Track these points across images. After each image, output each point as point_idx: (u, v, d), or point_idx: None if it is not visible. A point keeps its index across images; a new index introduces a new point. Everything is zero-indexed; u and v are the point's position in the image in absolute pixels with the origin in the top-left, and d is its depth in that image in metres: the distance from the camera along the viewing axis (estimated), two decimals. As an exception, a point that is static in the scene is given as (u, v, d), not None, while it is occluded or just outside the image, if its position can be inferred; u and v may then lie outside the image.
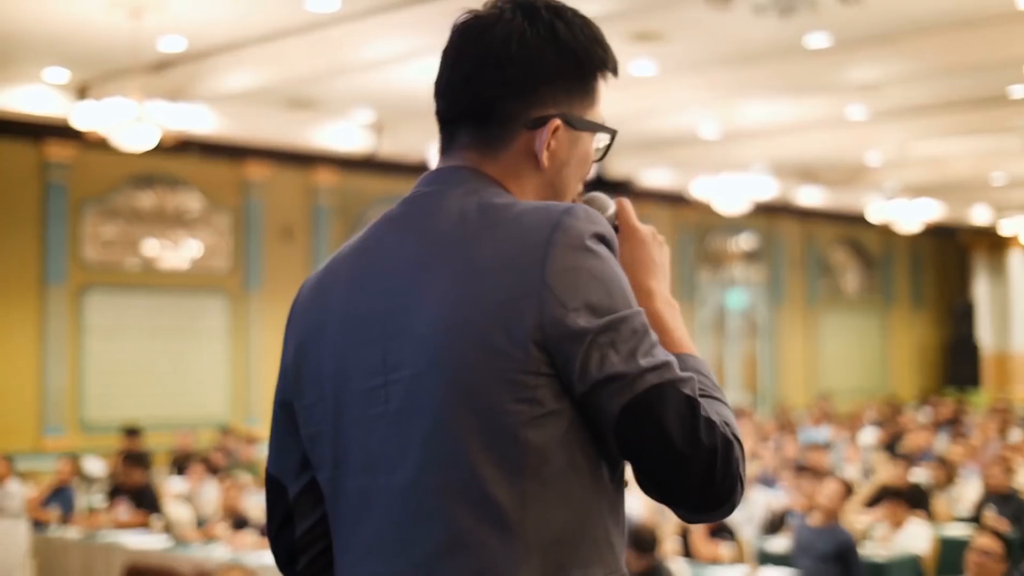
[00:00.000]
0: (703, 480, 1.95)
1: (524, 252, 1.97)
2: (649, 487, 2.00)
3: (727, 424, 1.99)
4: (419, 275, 2.03)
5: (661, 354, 1.98)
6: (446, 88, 2.16)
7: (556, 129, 2.13)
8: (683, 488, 1.97)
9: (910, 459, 13.40)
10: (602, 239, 2.02)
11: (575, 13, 2.17)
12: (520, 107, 2.12)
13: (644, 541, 8.52)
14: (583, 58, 2.15)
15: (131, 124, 12.90)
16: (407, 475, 1.99)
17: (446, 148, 2.18)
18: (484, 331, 1.95)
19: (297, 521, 2.22)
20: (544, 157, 2.13)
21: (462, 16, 2.16)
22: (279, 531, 2.25)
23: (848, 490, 10.54)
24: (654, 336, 2.00)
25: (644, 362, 1.95)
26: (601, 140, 2.22)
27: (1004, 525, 9.83)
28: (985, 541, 8.28)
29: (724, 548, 10.19)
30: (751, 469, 12.69)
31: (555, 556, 1.97)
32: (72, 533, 11.76)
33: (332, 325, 2.12)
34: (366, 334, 2.07)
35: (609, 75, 2.21)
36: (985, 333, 30.98)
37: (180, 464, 14.78)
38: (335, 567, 2.16)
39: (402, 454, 2.00)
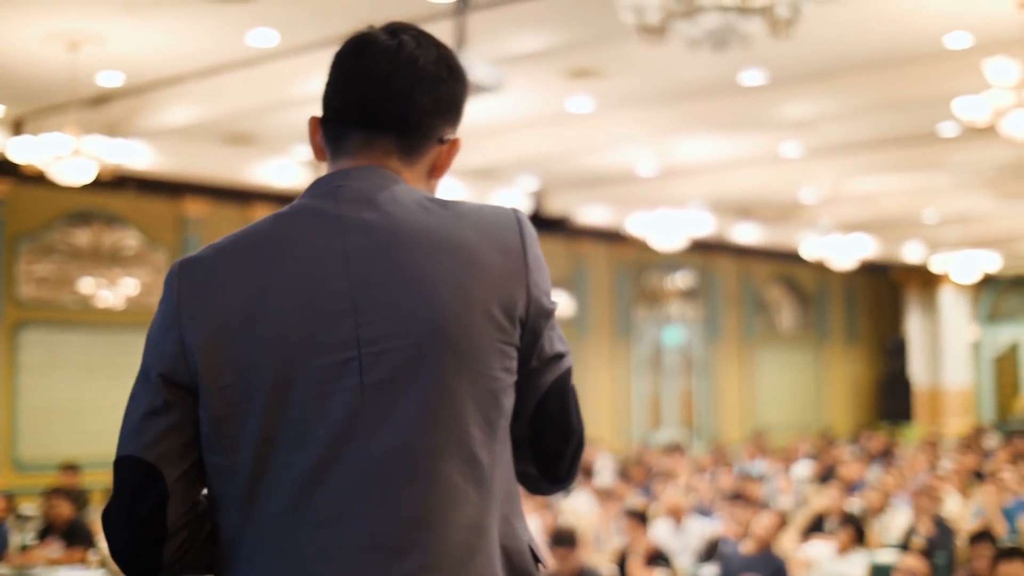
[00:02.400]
0: (575, 453, 2.31)
1: (504, 237, 2.23)
2: (532, 456, 2.31)
3: None
4: (397, 255, 2.17)
5: None
6: (380, 100, 2.32)
7: (457, 148, 2.40)
8: (561, 459, 2.31)
9: (844, 488, 13.56)
10: None
11: None
12: (438, 124, 2.36)
13: (567, 538, 8.77)
14: (467, 90, 2.43)
15: (68, 159, 12.86)
16: (392, 440, 2.11)
17: (359, 150, 2.35)
18: (485, 303, 2.16)
19: (171, 507, 2.21)
20: (443, 171, 2.40)
21: (369, 36, 2.37)
22: (148, 519, 2.21)
23: (782, 521, 10.65)
24: None
25: (567, 347, 2.28)
26: None
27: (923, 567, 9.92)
28: (911, 562, 8.41)
29: (660, 575, 10.26)
30: (688, 500, 12.78)
31: (505, 508, 2.21)
32: (5, 571, 11.62)
33: (267, 307, 2.18)
34: (327, 312, 2.16)
35: None
36: (917, 369, 31.29)
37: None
38: (258, 541, 2.17)
39: (383, 421, 2.12)
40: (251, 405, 2.15)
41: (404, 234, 2.18)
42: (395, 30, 2.37)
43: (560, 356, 2.27)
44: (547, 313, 2.24)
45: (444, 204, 2.25)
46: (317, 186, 2.32)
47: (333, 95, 2.38)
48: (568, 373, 2.28)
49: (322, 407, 2.13)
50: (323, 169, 2.42)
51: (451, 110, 2.37)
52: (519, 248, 2.23)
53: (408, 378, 2.12)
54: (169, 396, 2.22)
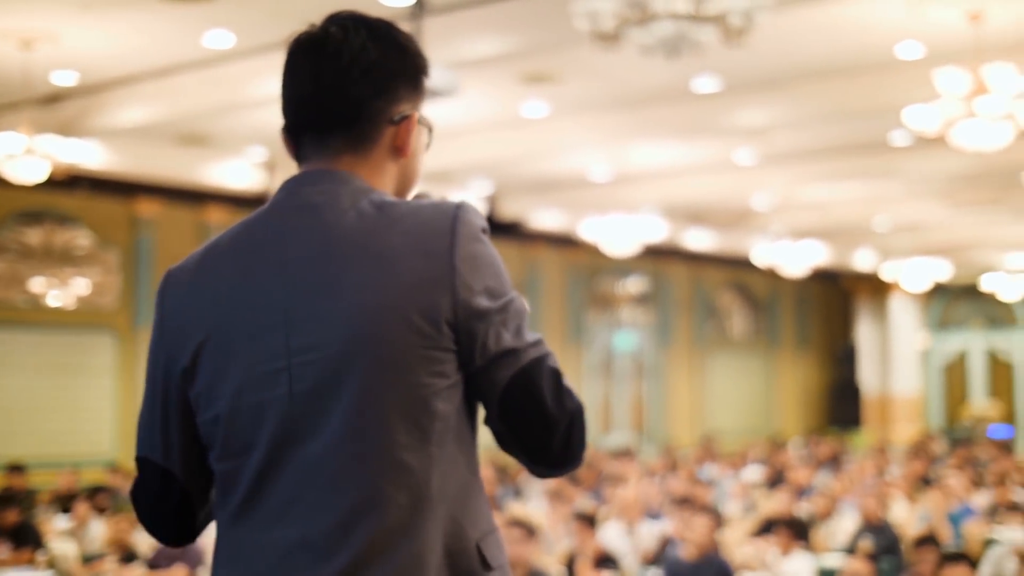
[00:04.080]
0: (564, 439, 2.27)
1: (432, 239, 2.21)
2: (516, 447, 2.31)
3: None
4: (326, 265, 2.22)
5: (532, 332, 2.27)
6: (313, 99, 2.35)
7: (414, 123, 2.39)
8: (548, 447, 2.28)
9: (793, 493, 13.65)
10: (486, 231, 2.29)
11: (398, 27, 2.42)
12: (384, 106, 2.35)
13: (524, 524, 8.89)
14: (419, 61, 2.42)
15: (21, 157, 12.83)
16: (322, 445, 2.18)
17: (314, 153, 2.37)
18: (403, 311, 2.17)
19: (194, 498, 2.40)
20: (407, 149, 2.39)
21: (303, 35, 2.39)
22: (178, 513, 2.41)
23: (718, 523, 10.60)
24: (527, 315, 2.29)
25: (528, 338, 2.25)
26: (426, 134, 2.48)
27: (869, 571, 10.00)
28: (856, 566, 8.50)
29: (608, 578, 10.30)
30: (638, 504, 12.82)
31: (452, 511, 2.23)
32: (-49, 571, 11.55)
33: (224, 318, 2.27)
34: (263, 322, 2.24)
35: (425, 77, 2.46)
36: (867, 375, 31.48)
37: (65, 503, 14.60)
38: (222, 539, 2.31)
39: (315, 427, 2.19)
40: (213, 411, 2.27)
41: (334, 244, 2.23)
42: (329, 22, 2.37)
43: (513, 351, 2.22)
44: (482, 312, 2.21)
45: (383, 207, 2.26)
46: (279, 191, 2.36)
47: (282, 102, 2.42)
48: (533, 365, 2.23)
49: (262, 414, 2.22)
50: (284, 167, 2.48)
51: (394, 89, 2.36)
52: (446, 250, 2.21)
53: (332, 387, 2.17)
54: (166, 404, 2.36)
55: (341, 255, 2.21)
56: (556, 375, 2.27)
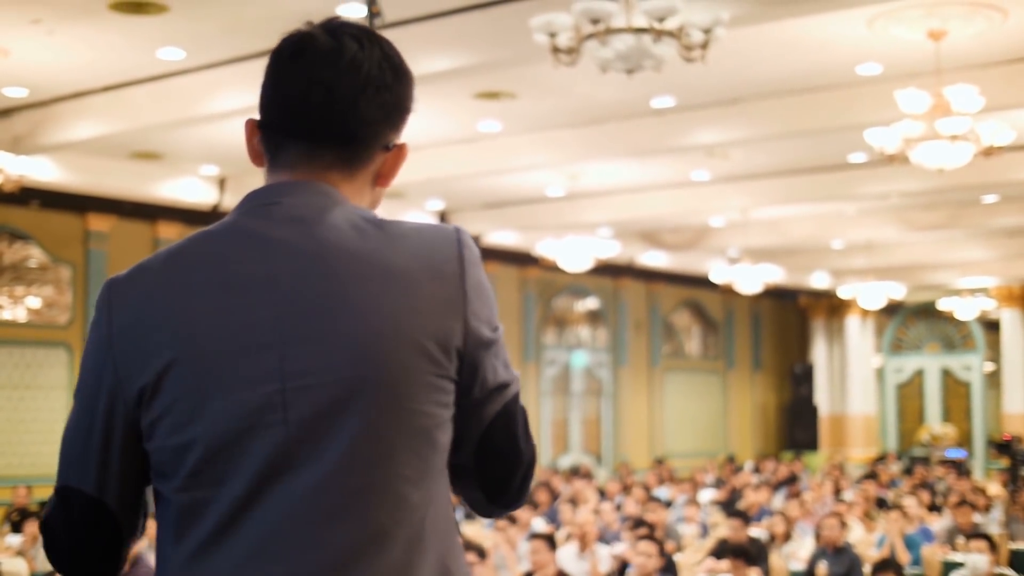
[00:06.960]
0: (524, 476, 2.20)
1: (442, 263, 2.10)
2: (477, 484, 2.20)
3: None
4: (327, 283, 2.04)
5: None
6: (319, 111, 2.15)
7: (404, 154, 2.26)
8: (509, 484, 2.19)
9: (747, 516, 13.55)
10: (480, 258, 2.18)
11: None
12: (386, 131, 2.21)
13: (474, 548, 8.91)
14: (412, 87, 2.28)
15: (-30, 173, 12.71)
16: (318, 477, 2.00)
17: (297, 162, 2.18)
18: (416, 335, 2.03)
19: (125, 536, 2.19)
20: (390, 178, 2.26)
21: (303, 38, 2.19)
22: (107, 550, 2.18)
23: (670, 546, 10.42)
24: None
25: (514, 372, 2.18)
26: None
27: None
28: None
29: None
30: (595, 527, 12.72)
31: (442, 547, 2.10)
32: None
33: (198, 336, 2.06)
34: (250, 342, 2.04)
35: None
36: (823, 396, 31.51)
37: (16, 521, 14.43)
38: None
39: (308, 459, 2.01)
40: (181, 438, 2.06)
41: (334, 260, 2.05)
42: (335, 29, 2.20)
43: (505, 385, 2.15)
44: (487, 343, 2.11)
45: (381, 225, 2.11)
46: (251, 200, 2.17)
47: (271, 100, 2.20)
48: (514, 400, 2.17)
49: (246, 442, 2.02)
50: (235, 183, 2.28)
51: (397, 115, 2.22)
52: (457, 275, 2.09)
53: (334, 415, 2.00)
54: (109, 429, 2.14)
55: (343, 273, 2.04)
56: (525, 413, 2.21)
